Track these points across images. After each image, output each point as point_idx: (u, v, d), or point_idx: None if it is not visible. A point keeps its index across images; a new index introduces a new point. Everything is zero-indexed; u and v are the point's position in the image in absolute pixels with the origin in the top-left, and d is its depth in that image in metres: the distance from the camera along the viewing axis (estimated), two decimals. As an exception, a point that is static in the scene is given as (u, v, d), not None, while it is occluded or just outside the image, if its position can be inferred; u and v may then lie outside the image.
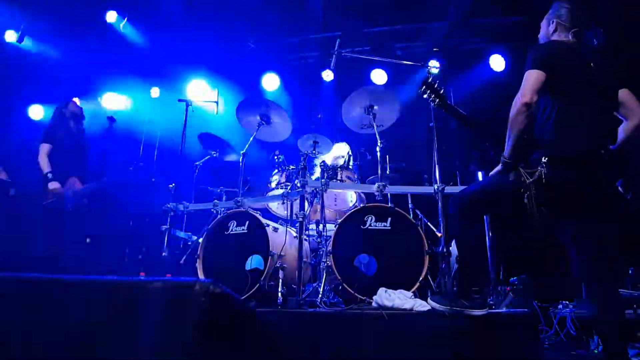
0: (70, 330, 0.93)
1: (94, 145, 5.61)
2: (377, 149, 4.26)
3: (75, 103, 5.45)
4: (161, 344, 0.86)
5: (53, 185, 4.87)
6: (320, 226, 4.02)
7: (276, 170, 4.73)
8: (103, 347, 0.90)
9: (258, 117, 4.66)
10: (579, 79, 2.50)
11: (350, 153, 4.97)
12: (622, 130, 2.58)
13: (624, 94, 2.57)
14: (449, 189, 3.69)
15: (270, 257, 3.55)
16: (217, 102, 5.17)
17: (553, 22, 2.73)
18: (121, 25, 6.86)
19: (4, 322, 0.98)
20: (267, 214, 4.84)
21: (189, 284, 0.90)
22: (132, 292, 0.95)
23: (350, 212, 3.73)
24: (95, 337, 0.91)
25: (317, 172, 4.90)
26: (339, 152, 5.17)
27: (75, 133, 5.36)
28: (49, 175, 4.91)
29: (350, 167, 4.71)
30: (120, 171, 5.32)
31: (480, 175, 5.12)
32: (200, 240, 4.01)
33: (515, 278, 4.90)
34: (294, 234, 4.03)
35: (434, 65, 4.38)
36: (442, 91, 3.17)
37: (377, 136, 4.33)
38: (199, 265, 3.85)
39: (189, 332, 0.85)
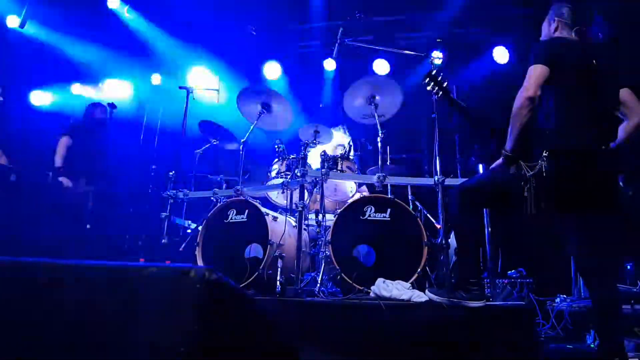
0: (65, 314, 0.93)
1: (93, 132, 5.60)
2: (378, 139, 4.24)
3: (103, 110, 5.47)
4: (156, 330, 0.86)
5: (64, 179, 4.94)
6: (320, 216, 4.02)
7: (276, 159, 4.71)
8: (98, 331, 0.90)
9: (259, 106, 4.64)
10: (582, 75, 2.50)
11: (351, 143, 4.94)
12: (623, 130, 2.60)
13: (624, 93, 2.57)
14: (449, 181, 3.68)
15: (269, 245, 3.56)
16: (218, 90, 5.15)
17: (554, 20, 2.73)
18: (125, 10, 6.81)
19: (3, 304, 0.98)
20: (267, 202, 4.84)
21: (184, 270, 0.89)
22: (127, 277, 0.94)
23: (349, 202, 3.73)
24: (90, 322, 0.91)
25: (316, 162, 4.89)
26: (338, 140, 5.16)
27: (96, 137, 5.40)
28: (60, 170, 4.99)
29: (351, 157, 4.69)
30: (132, 177, 5.39)
31: (481, 167, 5.10)
32: (200, 228, 4.01)
33: (513, 271, 4.91)
34: (294, 223, 4.03)
35: (436, 56, 4.35)
36: (445, 84, 3.16)
37: (379, 126, 4.31)
38: (198, 252, 3.86)
39: (184, 319, 0.85)
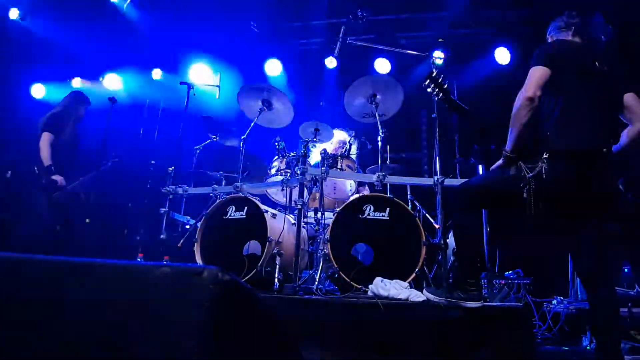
0: (73, 314, 0.93)
1: (94, 126, 5.57)
2: (379, 138, 4.24)
3: (83, 99, 5.35)
4: (168, 330, 0.86)
5: (57, 177, 4.75)
6: (319, 214, 4.02)
7: (276, 157, 4.71)
8: (108, 332, 0.90)
9: (259, 103, 4.64)
10: (584, 77, 2.50)
11: (351, 141, 4.95)
12: (626, 134, 2.59)
13: (629, 98, 2.56)
14: (449, 181, 3.69)
15: (267, 243, 3.56)
16: (218, 87, 5.14)
17: (557, 23, 2.74)
18: (125, 5, 6.80)
19: (6, 303, 0.97)
20: (266, 200, 4.84)
21: (197, 271, 0.89)
22: (138, 276, 0.94)
23: (348, 200, 3.73)
24: (100, 322, 0.91)
25: (315, 159, 4.89)
26: (340, 138, 5.16)
27: (72, 130, 5.20)
28: (52, 168, 4.75)
29: (352, 154, 4.69)
30: (97, 169, 5.17)
31: (480, 168, 5.11)
32: (199, 223, 4.01)
33: (510, 272, 4.92)
34: (292, 221, 4.04)
35: (438, 56, 4.35)
36: (445, 85, 3.17)
37: (379, 125, 4.31)
38: (196, 248, 3.86)
39: (197, 320, 0.84)
